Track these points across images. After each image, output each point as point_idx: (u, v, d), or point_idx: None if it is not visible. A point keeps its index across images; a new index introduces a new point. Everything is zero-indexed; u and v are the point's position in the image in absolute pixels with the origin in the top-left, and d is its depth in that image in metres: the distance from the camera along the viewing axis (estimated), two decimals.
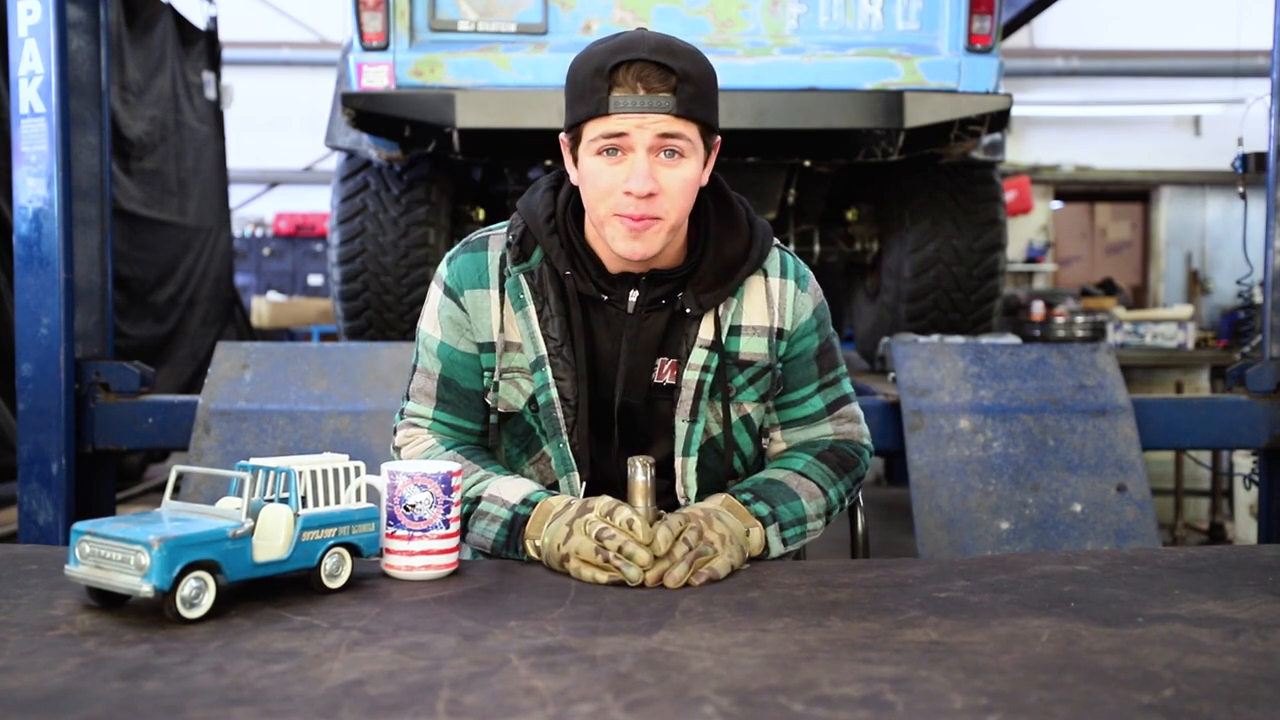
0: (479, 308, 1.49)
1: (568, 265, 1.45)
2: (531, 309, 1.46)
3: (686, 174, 1.38)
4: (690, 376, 1.46)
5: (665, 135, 1.35)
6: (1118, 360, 3.09)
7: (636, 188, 1.34)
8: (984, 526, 2.75)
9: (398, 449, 1.55)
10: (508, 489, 1.41)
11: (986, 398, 2.91)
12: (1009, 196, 7.40)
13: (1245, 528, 5.01)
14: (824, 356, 1.57)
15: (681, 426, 1.48)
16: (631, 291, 1.46)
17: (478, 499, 1.42)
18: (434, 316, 1.53)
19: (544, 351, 1.45)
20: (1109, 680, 0.92)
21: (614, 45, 1.36)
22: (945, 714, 0.84)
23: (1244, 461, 4.44)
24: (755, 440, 1.56)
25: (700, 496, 1.50)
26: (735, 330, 1.49)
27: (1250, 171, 3.26)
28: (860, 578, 1.28)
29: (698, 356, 1.46)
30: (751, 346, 1.50)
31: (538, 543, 1.35)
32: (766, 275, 1.51)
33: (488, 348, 1.50)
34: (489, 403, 1.52)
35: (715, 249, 1.46)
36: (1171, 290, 11.75)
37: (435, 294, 1.53)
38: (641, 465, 1.29)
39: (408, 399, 1.56)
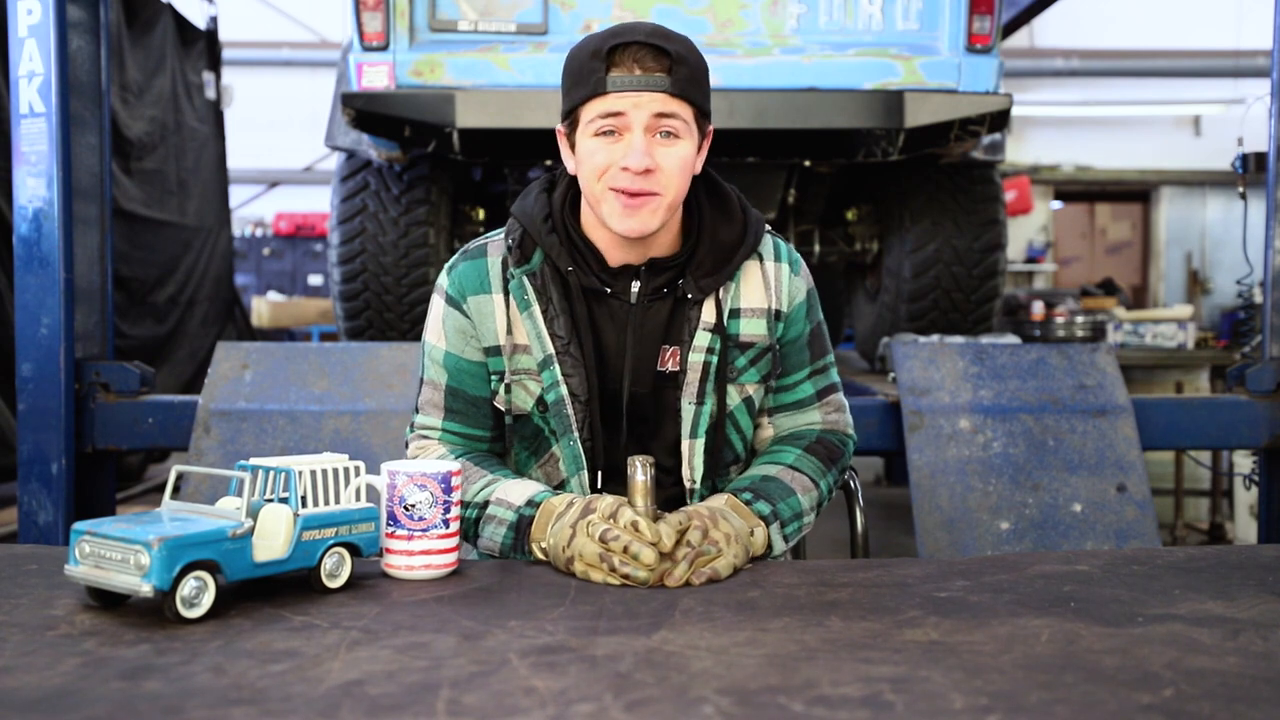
0: (483, 313, 1.50)
1: (569, 261, 1.46)
2: (536, 309, 1.47)
3: (682, 153, 1.41)
4: (695, 359, 1.49)
5: (661, 115, 1.38)
6: (1118, 360, 3.08)
7: (634, 163, 1.37)
8: (984, 526, 2.75)
9: (408, 441, 1.55)
10: (514, 491, 1.41)
11: (986, 398, 2.91)
12: (1009, 196, 7.40)
13: (1245, 528, 5.02)
14: (815, 343, 1.60)
15: (688, 409, 1.49)
16: (633, 283, 1.48)
17: (486, 503, 1.42)
18: (438, 327, 1.53)
19: (551, 350, 1.47)
20: (1109, 680, 0.92)
21: (610, 31, 1.40)
22: (945, 714, 0.84)
23: (1244, 461, 4.44)
24: (755, 422, 1.59)
25: (704, 478, 1.51)
26: (735, 314, 1.52)
27: (1250, 171, 3.26)
28: (860, 578, 1.28)
29: (701, 339, 1.49)
30: (751, 328, 1.52)
31: (543, 544, 1.35)
32: (761, 260, 1.54)
33: (494, 351, 1.50)
34: (498, 406, 1.52)
35: (711, 236, 1.49)
36: (1171, 290, 11.75)
37: (438, 304, 1.53)
38: (641, 465, 1.29)
39: (417, 411, 1.56)
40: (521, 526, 1.38)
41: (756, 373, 1.54)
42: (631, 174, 1.38)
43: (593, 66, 1.38)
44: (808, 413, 1.60)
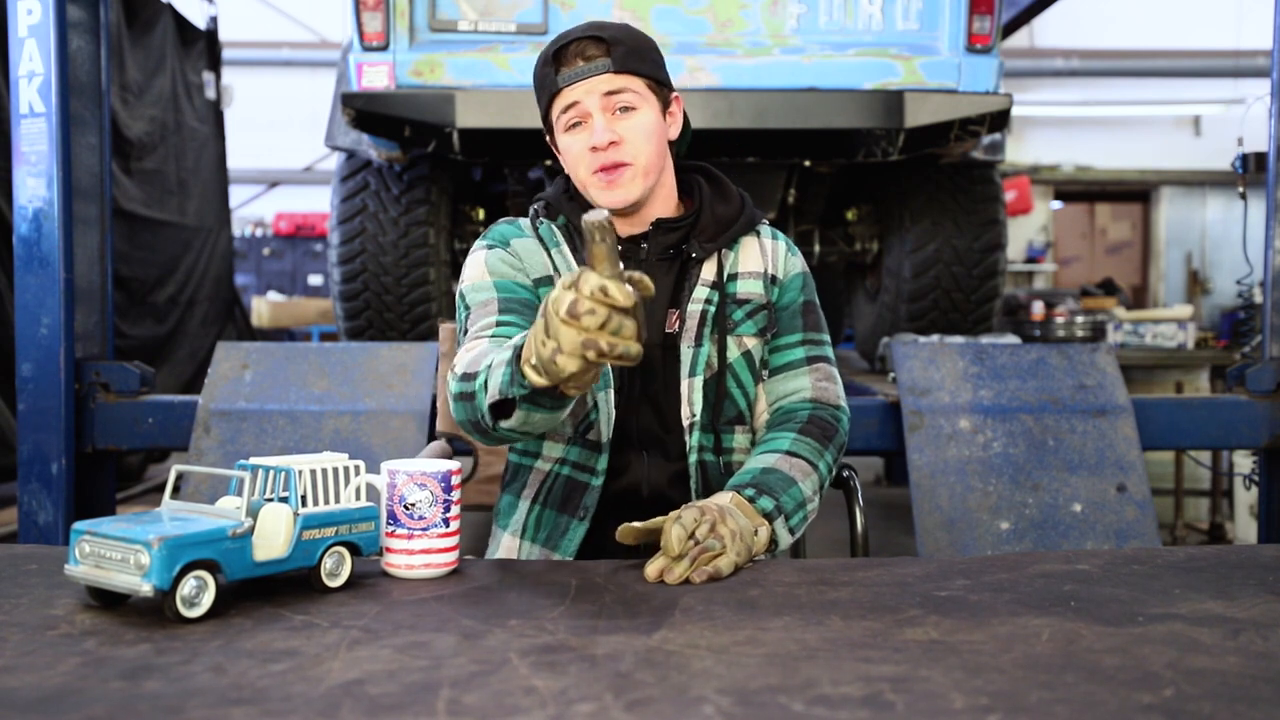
0: (527, 249, 1.62)
1: None
2: (565, 247, 1.61)
3: (641, 121, 1.54)
4: (694, 309, 1.59)
5: (610, 92, 1.52)
6: (1118, 360, 3.08)
7: (598, 140, 1.51)
8: (984, 526, 2.75)
9: (453, 368, 1.44)
10: (514, 340, 1.32)
11: (986, 398, 2.91)
12: (1009, 196, 7.40)
13: (1245, 528, 5.02)
14: (809, 314, 1.68)
15: (687, 352, 1.58)
16: (643, 245, 1.61)
17: (492, 364, 1.39)
18: (480, 267, 1.59)
19: None
20: (1109, 680, 0.91)
21: (556, 39, 1.56)
22: (945, 714, 0.84)
23: (1244, 461, 4.44)
24: (757, 380, 1.65)
25: (705, 423, 1.58)
26: (733, 277, 1.63)
27: (1250, 171, 3.26)
28: (860, 577, 1.28)
29: (700, 293, 1.60)
30: (748, 287, 1.63)
31: (532, 362, 1.19)
32: (759, 235, 1.68)
33: (544, 281, 1.59)
34: None
35: (711, 209, 1.63)
36: (1171, 290, 11.75)
37: (479, 253, 1.61)
38: (597, 225, 1.07)
39: (464, 335, 1.53)
40: (514, 358, 1.24)
41: (754, 325, 1.62)
42: (600, 151, 1.52)
43: (546, 73, 1.54)
44: (797, 377, 1.64)
